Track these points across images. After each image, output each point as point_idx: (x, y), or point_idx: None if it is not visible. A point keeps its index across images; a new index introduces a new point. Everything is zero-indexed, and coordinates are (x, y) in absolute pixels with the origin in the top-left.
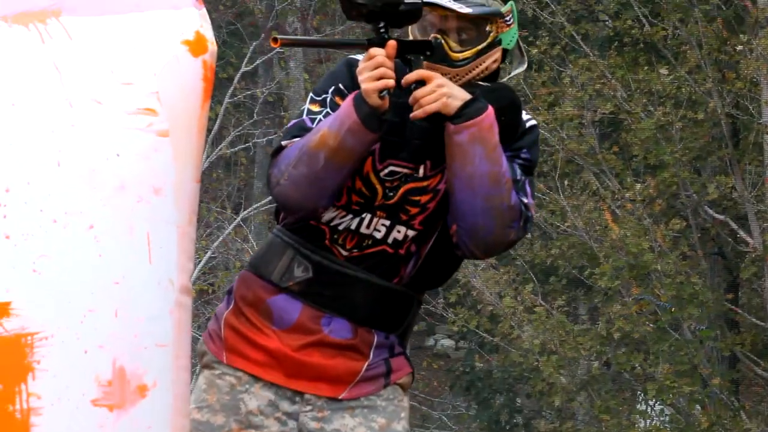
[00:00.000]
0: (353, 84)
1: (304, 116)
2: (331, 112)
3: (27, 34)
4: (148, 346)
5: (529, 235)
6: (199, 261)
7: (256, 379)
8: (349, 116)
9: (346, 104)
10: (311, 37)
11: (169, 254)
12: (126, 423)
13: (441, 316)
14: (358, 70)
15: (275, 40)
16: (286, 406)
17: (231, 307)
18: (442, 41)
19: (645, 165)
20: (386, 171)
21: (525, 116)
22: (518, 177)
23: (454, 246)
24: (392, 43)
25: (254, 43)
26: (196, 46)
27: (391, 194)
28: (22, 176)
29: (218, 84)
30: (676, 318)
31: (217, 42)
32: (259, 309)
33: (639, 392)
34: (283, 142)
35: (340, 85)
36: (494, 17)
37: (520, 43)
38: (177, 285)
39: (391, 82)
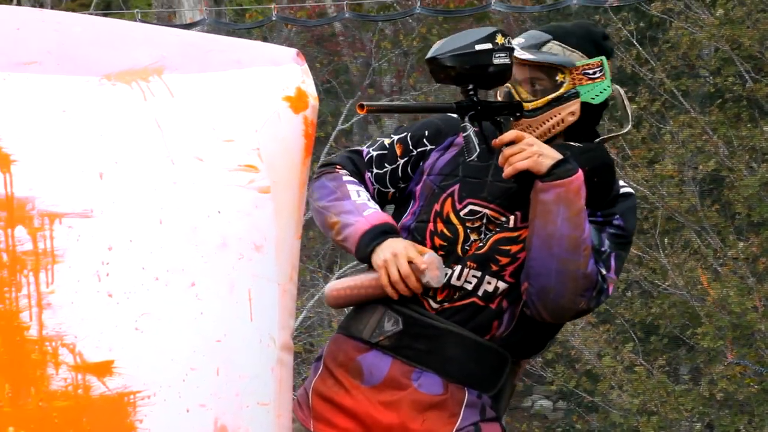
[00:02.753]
0: (434, 135)
1: (367, 147)
2: (385, 154)
3: (130, 92)
4: (250, 405)
5: (629, 293)
6: (296, 319)
7: None
8: (353, 238)
9: (359, 229)
10: (398, 103)
11: (271, 312)
12: None
13: (539, 376)
14: None
15: (362, 107)
16: None
17: (319, 373)
18: (512, 90)
19: (748, 222)
20: (466, 210)
21: (621, 183)
22: (604, 248)
23: (523, 304)
24: None
25: (350, 101)
26: (297, 102)
27: (481, 244)
28: (125, 234)
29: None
30: None
31: None
32: (348, 368)
33: None
34: (335, 158)
35: (409, 135)
36: (564, 67)
37: (626, 103)
38: (278, 343)
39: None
